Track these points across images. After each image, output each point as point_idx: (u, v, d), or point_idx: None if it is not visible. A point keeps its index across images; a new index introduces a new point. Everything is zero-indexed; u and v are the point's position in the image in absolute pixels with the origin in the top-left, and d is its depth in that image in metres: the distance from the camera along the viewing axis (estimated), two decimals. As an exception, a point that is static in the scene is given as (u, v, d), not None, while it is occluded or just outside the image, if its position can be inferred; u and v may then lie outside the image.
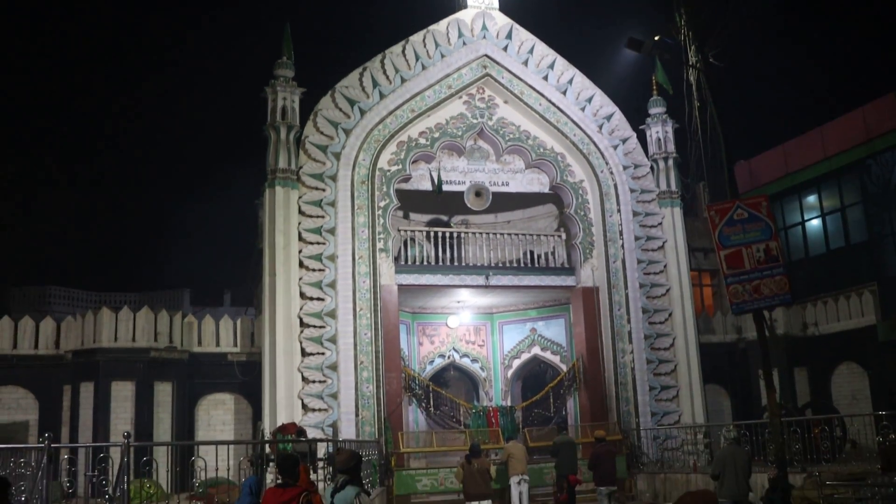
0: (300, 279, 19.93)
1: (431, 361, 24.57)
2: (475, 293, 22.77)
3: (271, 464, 13.28)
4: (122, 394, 20.15)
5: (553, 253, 23.23)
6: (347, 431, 18.99)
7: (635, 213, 23.30)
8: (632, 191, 23.41)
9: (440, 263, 21.86)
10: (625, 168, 23.47)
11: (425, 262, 21.84)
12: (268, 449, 14.51)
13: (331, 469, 13.00)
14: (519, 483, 16.84)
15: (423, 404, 22.22)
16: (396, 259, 21.49)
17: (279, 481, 8.11)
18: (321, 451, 13.36)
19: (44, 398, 20.84)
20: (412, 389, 22.20)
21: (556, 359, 24.25)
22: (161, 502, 11.63)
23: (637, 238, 23.14)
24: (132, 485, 11.66)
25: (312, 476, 10.87)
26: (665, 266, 23.32)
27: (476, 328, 25.22)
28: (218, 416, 21.56)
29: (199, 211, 54.21)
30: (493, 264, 22.37)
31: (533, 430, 21.04)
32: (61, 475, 13.65)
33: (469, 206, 22.70)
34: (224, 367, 21.68)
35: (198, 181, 60.62)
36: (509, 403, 23.77)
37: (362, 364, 19.86)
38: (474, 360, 25.00)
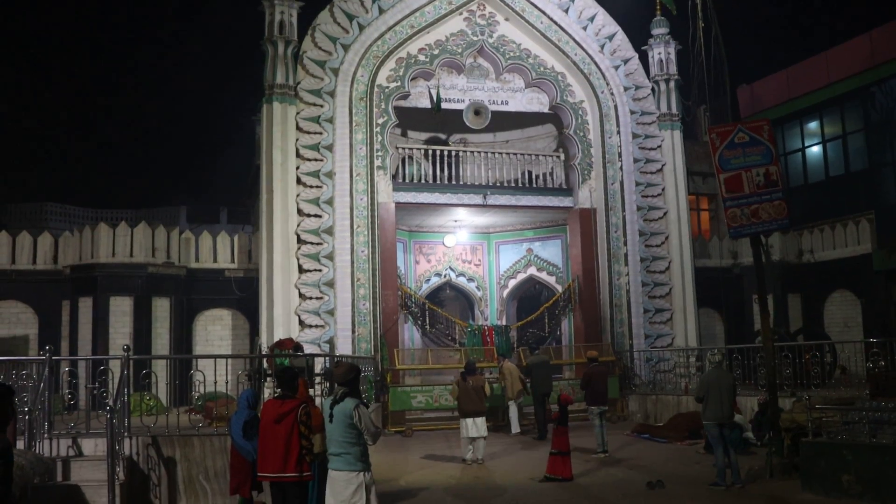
0: (298, 196, 19.87)
1: (428, 280, 24.70)
2: (472, 212, 22.77)
3: (268, 378, 13.52)
4: (121, 309, 20.31)
5: (551, 173, 23.15)
6: (344, 348, 19.16)
7: (635, 135, 23.15)
8: (632, 112, 23.21)
9: (438, 182, 21.80)
10: (625, 89, 23.23)
11: (423, 181, 21.79)
12: (265, 364, 14.70)
13: (327, 384, 13.19)
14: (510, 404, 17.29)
15: (419, 322, 22.38)
16: (394, 177, 21.41)
17: (278, 393, 8.25)
18: (318, 366, 13.52)
19: (43, 313, 21.03)
20: (408, 307, 22.35)
21: (551, 279, 24.35)
22: (160, 415, 11.80)
23: (636, 160, 23.04)
24: (132, 397, 11.86)
25: (310, 391, 11.01)
26: (663, 189, 23.27)
27: (472, 248, 25.29)
28: (216, 331, 21.76)
29: (196, 128, 53.82)
30: (490, 184, 22.31)
31: (527, 349, 21.26)
32: (62, 387, 13.86)
33: (468, 124, 22.52)
34: (221, 283, 21.79)
35: (195, 98, 59.96)
36: (504, 323, 23.98)
37: (359, 281, 19.95)
38: (470, 280, 25.13)
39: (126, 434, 10.70)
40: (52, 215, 37.29)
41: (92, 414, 11.94)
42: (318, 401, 11.36)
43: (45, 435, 10.78)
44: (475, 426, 14.57)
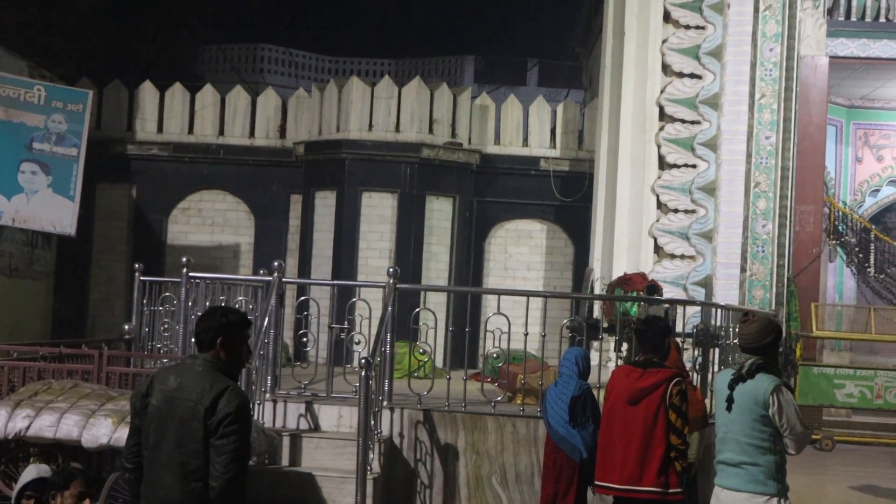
0: (663, 43, 19.70)
1: (876, 191, 24.38)
2: None
3: (604, 335, 13.63)
4: (378, 212, 21.26)
5: None
6: (726, 294, 18.92)
7: None
8: None
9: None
10: None
11: (881, 18, 21.01)
12: (597, 311, 14.78)
13: (699, 352, 13.11)
14: None
15: (857, 261, 21.80)
16: (830, 12, 20.84)
17: (637, 358, 8.23)
18: (685, 321, 13.50)
19: (262, 212, 22.58)
20: (839, 235, 21.79)
21: None
22: (438, 378, 12.18)
23: None
24: (397, 349, 12.32)
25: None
26: None
27: None
28: (520, 255, 22.31)
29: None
30: None
31: None
32: (282, 327, 14.67)
33: None
34: (534, 180, 22.21)
35: None
36: None
37: (758, 187, 19.56)
38: None
39: (385, 404, 11.19)
40: (272, 64, 39.35)
41: (335, 370, 12.47)
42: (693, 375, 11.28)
43: (268, 395, 11.52)
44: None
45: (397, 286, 11.59)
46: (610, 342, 14.49)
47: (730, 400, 6.95)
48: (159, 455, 5.80)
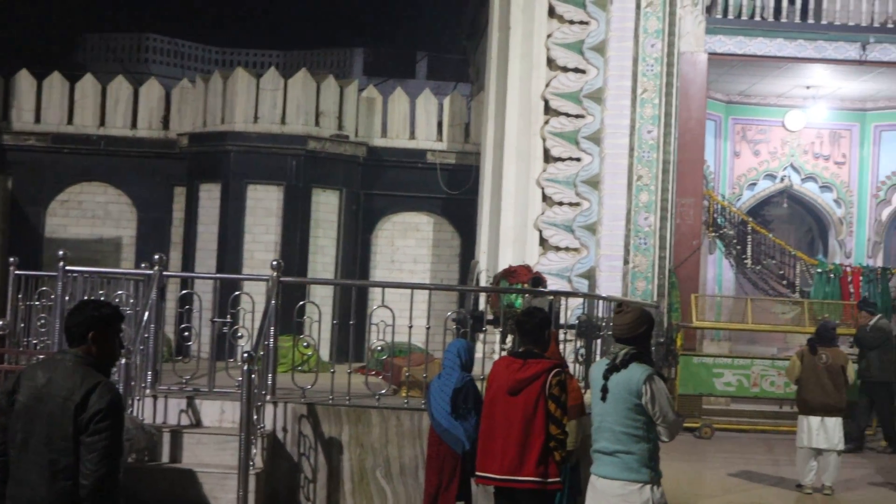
0: (549, 37, 19.75)
1: (753, 184, 24.71)
2: (839, 73, 22.52)
3: (489, 326, 13.63)
4: (264, 204, 21.03)
5: None
6: (609, 286, 19.00)
7: None
8: None
9: (783, 20, 21.35)
10: None
11: (756, 16, 21.35)
12: (484, 303, 14.78)
13: (582, 343, 13.17)
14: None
15: (734, 252, 22.11)
16: (709, 9, 21.09)
17: (513, 348, 8.24)
18: (569, 313, 13.49)
19: (145, 205, 22.21)
20: (718, 227, 22.07)
21: None
22: (322, 372, 12.06)
23: None
24: (280, 342, 12.17)
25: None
26: None
27: (834, 134, 25.13)
28: (407, 247, 22.26)
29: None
30: (876, 24, 21.63)
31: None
32: (164, 321, 14.45)
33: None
34: (421, 173, 22.18)
35: None
36: (880, 263, 23.53)
37: (640, 181, 19.72)
38: (825, 187, 25.03)
39: (269, 398, 11.08)
40: (157, 54, 38.93)
41: (217, 364, 12.32)
42: (571, 366, 11.31)
43: (147, 391, 11.33)
44: (823, 431, 14.26)
45: (281, 279, 11.46)
46: (495, 334, 14.49)
47: (604, 390, 7.07)
48: (26, 453, 5.67)
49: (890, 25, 21.80)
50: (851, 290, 21.04)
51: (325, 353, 15.99)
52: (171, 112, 22.23)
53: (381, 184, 22.08)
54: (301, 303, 12.55)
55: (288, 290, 13.20)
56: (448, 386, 9.30)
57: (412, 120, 22.35)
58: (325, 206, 21.43)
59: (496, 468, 8.04)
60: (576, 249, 19.55)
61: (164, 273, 11.97)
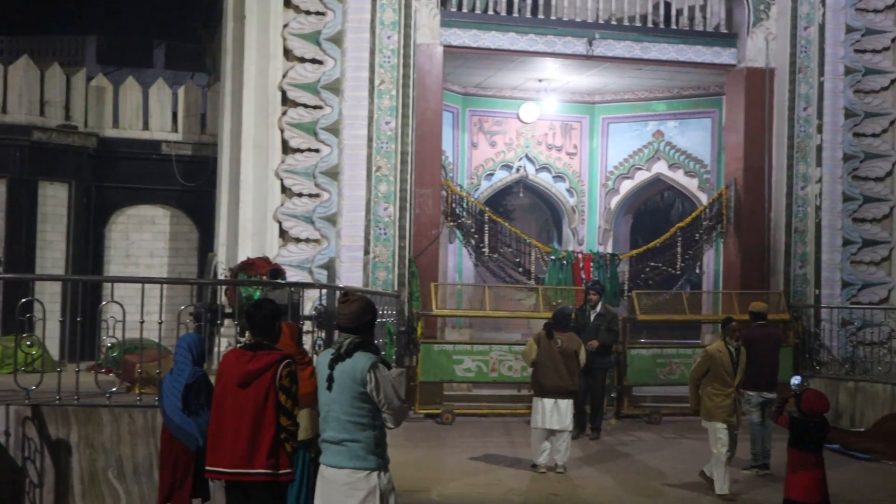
0: (285, 27, 19.68)
1: (490, 175, 25.01)
2: (569, 67, 22.90)
3: (227, 320, 13.45)
4: (-15, 197, 20.49)
5: (702, 8, 22.82)
6: (350, 277, 19.24)
7: (847, -50, 22.36)
8: None
9: (515, 14, 21.65)
10: None
11: (490, 11, 21.60)
12: (223, 297, 14.58)
13: (323, 332, 13.13)
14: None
15: (473, 242, 22.33)
16: (443, 3, 21.24)
17: (246, 341, 8.21)
18: (309, 304, 13.59)
19: None
20: (457, 217, 22.27)
21: (691, 183, 24.50)
22: (48, 372, 11.73)
23: (848, -10, 22.28)
24: (3, 342, 11.79)
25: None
26: (894, 43, 22.48)
27: (565, 125, 25.49)
28: (143, 241, 21.96)
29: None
30: (602, 21, 22.09)
31: (643, 295, 20.99)
32: None
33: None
34: (156, 165, 21.93)
35: None
36: (610, 250, 24.06)
37: (379, 171, 19.86)
38: (559, 177, 25.40)
39: (-11, 400, 10.69)
40: None
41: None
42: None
43: None
44: (556, 412, 14.57)
45: (3, 276, 10.99)
46: (233, 328, 14.33)
47: (330, 379, 7.11)
48: None
49: (614, 22, 22.31)
50: (583, 276, 21.45)
51: (55, 353, 15.49)
52: None
53: (114, 176, 21.77)
54: (24, 300, 12.05)
55: (11, 288, 12.85)
56: (179, 381, 9.17)
57: (145, 110, 22.13)
58: (54, 200, 21.03)
59: (227, 462, 7.90)
60: (316, 241, 19.61)
61: None
